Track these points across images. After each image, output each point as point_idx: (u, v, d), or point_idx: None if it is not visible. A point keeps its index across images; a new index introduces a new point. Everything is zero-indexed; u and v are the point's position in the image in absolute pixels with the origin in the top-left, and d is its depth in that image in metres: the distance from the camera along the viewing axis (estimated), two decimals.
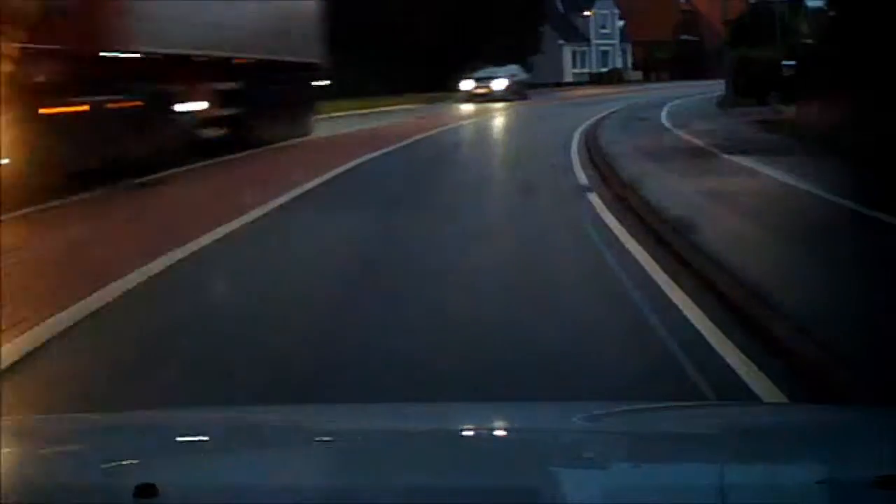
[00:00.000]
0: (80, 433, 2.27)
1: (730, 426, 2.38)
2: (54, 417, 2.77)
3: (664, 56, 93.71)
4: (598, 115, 25.77)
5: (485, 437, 2.32)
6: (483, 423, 2.42)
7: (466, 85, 42.59)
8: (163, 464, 2.03)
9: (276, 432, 2.34)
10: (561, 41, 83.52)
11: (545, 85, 69.66)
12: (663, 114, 26.82)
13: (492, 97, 40.29)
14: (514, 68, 45.13)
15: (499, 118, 30.47)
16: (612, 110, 29.02)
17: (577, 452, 2.15)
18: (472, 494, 1.87)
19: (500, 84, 42.58)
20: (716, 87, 41.67)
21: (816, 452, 2.12)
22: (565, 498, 1.90)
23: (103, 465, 1.96)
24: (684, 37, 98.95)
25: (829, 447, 2.15)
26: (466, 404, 3.63)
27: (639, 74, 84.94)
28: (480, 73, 42.91)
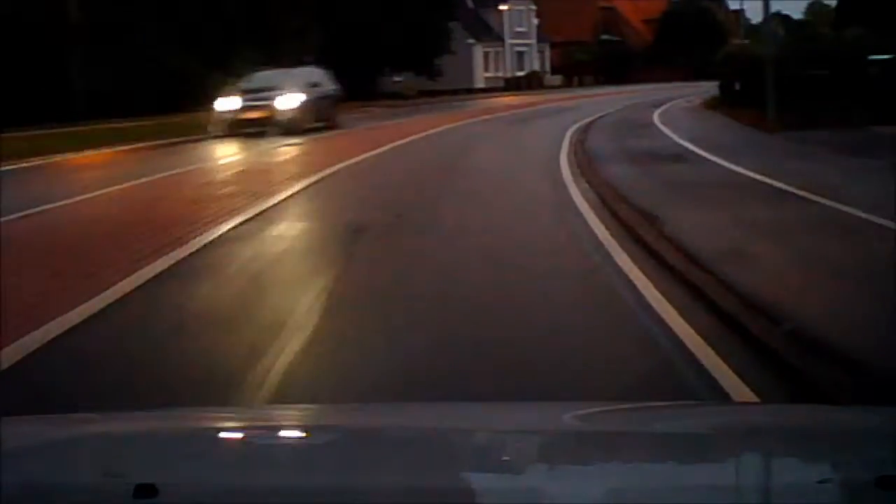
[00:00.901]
0: (80, 433, 2.28)
1: (729, 426, 2.40)
2: (54, 417, 2.69)
3: (585, 58, 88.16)
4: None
5: (484, 437, 2.31)
6: (483, 423, 2.41)
7: (225, 104, 26.20)
8: (163, 464, 2.04)
9: (277, 432, 2.37)
10: (471, 40, 78.13)
11: (454, 92, 64.47)
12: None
13: (273, 126, 24.84)
14: (312, 74, 28.77)
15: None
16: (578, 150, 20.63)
17: (577, 452, 2.17)
18: (472, 494, 1.89)
19: (287, 102, 26.22)
20: (669, 93, 39.27)
21: (816, 452, 2.14)
22: (565, 498, 1.89)
23: (103, 465, 1.98)
24: (605, 36, 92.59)
25: (829, 447, 2.17)
26: (466, 404, 3.67)
27: (558, 79, 71.86)
28: (252, 84, 26.82)
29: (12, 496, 1.79)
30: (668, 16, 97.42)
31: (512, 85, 69.35)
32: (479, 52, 71.89)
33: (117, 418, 2.64)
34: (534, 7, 76.20)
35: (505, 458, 2.12)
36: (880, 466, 1.85)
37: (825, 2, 68.54)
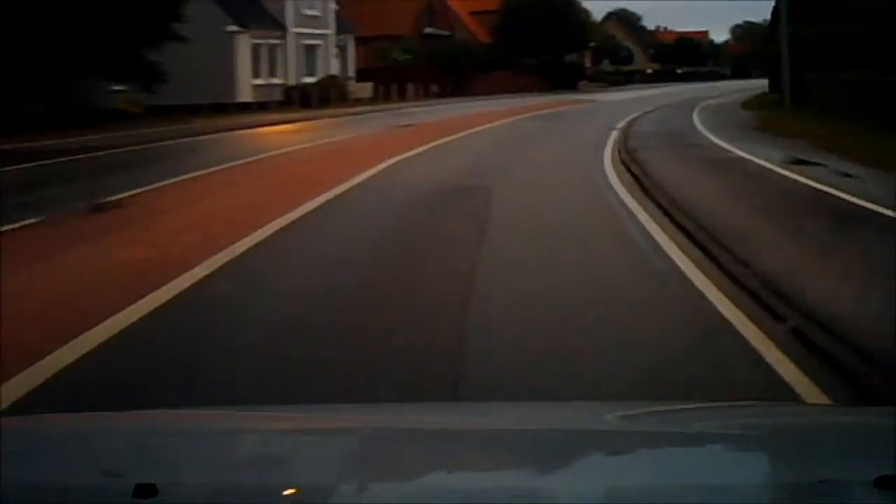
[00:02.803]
0: (80, 433, 2.45)
1: (729, 426, 2.62)
2: (54, 417, 2.86)
3: (405, 58, 68.01)
4: None
5: (485, 437, 2.52)
6: (483, 423, 2.65)
7: None
8: (163, 464, 2.24)
9: (276, 432, 2.54)
10: (233, 27, 52.14)
11: (195, 110, 41.29)
12: None
13: None
14: None
15: None
16: None
17: (578, 452, 2.37)
18: (472, 494, 2.06)
19: None
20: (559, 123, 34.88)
21: (816, 452, 2.34)
22: (565, 498, 2.07)
23: (103, 465, 2.15)
24: (429, 30, 73.31)
25: (829, 447, 2.38)
26: (467, 404, 4.06)
27: (368, 88, 60.43)
28: None
29: (12, 496, 1.94)
30: (510, 6, 75.17)
31: (294, 98, 40.99)
32: (244, 45, 43.85)
33: (117, 418, 2.78)
34: None
35: (505, 458, 2.33)
36: (880, 466, 1.98)
37: None
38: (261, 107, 46.05)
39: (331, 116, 41.17)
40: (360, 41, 62.72)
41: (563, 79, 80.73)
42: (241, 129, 34.69)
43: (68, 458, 2.20)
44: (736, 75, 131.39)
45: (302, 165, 22.23)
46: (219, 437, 2.46)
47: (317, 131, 32.86)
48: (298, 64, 54.99)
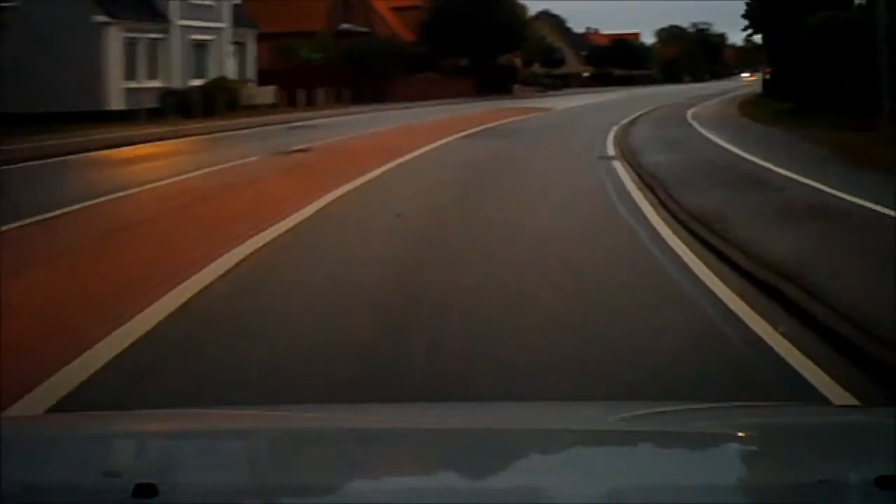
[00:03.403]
0: (80, 433, 2.47)
1: (729, 426, 2.65)
2: (54, 417, 3.10)
3: (316, 57, 57.71)
4: None
5: (485, 437, 2.56)
6: (483, 423, 2.69)
7: None
8: (163, 464, 2.27)
9: (276, 432, 2.58)
10: (101, 17, 41.70)
11: (49, 120, 31.93)
12: None
13: None
14: None
15: None
16: None
17: (578, 452, 2.42)
18: (473, 494, 2.10)
19: None
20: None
21: (816, 452, 2.39)
22: (565, 498, 2.11)
23: (103, 465, 2.22)
24: (345, 26, 63.70)
25: (829, 447, 2.42)
26: (467, 404, 4.09)
27: (269, 93, 52.51)
28: None
29: (12, 496, 1.99)
30: (436, 1, 68.41)
31: (170, 105, 30.77)
32: (114, 39, 33.50)
33: (117, 418, 2.87)
34: None
35: (505, 458, 2.39)
36: (880, 466, 2.02)
37: None
38: (125, 117, 37.22)
39: (200, 133, 32.97)
40: (263, 38, 55.15)
41: (496, 82, 76.80)
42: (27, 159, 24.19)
43: (68, 458, 2.27)
44: (668, 79, 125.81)
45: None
46: (219, 437, 2.52)
47: (123, 168, 22.72)
48: (185, 63, 47.50)
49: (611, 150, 23.47)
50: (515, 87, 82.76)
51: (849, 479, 1.99)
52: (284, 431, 2.58)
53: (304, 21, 62.90)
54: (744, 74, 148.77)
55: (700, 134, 28.82)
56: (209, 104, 42.54)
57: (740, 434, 2.51)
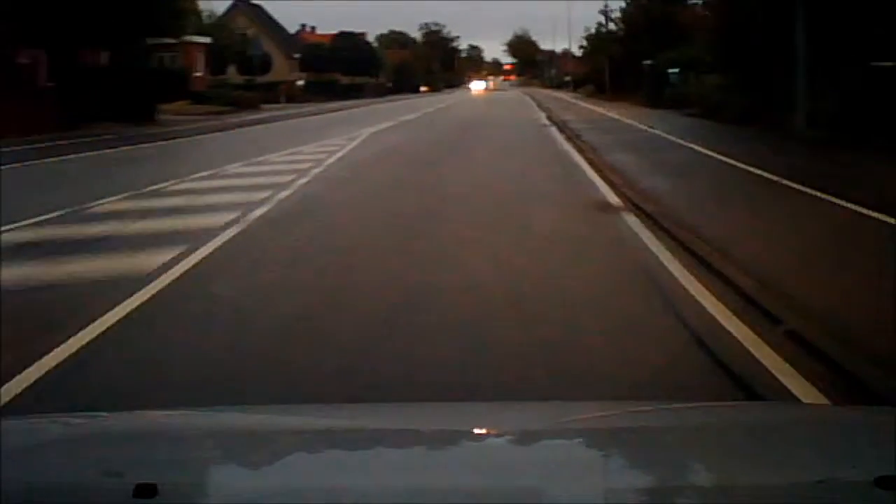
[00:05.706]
0: (80, 433, 2.50)
1: (730, 426, 2.73)
2: (54, 417, 2.88)
3: None
4: None
5: (485, 437, 2.62)
6: (483, 423, 2.71)
7: None
8: (163, 464, 2.29)
9: (276, 432, 2.61)
10: None
11: None
12: None
13: None
14: None
15: None
16: None
17: (577, 452, 2.48)
18: (473, 494, 2.15)
19: None
20: None
21: (816, 452, 2.44)
22: (565, 498, 2.16)
23: (103, 465, 2.22)
24: None
25: (829, 447, 2.49)
26: (467, 404, 3.99)
27: None
28: None
29: (12, 496, 2.00)
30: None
31: None
32: None
33: (117, 418, 2.84)
34: None
35: (505, 458, 2.43)
36: (880, 466, 2.07)
37: None
38: None
39: None
40: None
41: (124, 99, 38.84)
42: None
43: (68, 458, 2.29)
44: (401, 89, 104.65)
45: None
46: (219, 437, 2.55)
47: None
48: None
49: None
50: (171, 105, 47.19)
51: (849, 479, 2.03)
52: (284, 431, 2.58)
53: None
54: (477, 82, 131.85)
55: None
56: None
57: (740, 434, 2.55)
